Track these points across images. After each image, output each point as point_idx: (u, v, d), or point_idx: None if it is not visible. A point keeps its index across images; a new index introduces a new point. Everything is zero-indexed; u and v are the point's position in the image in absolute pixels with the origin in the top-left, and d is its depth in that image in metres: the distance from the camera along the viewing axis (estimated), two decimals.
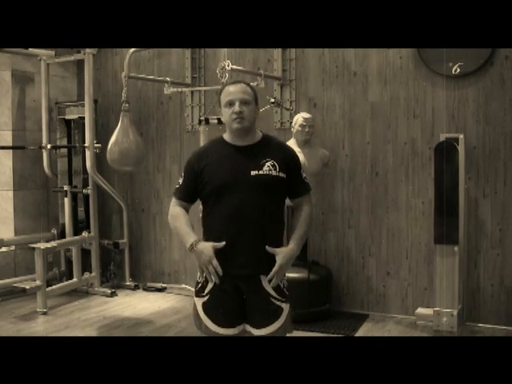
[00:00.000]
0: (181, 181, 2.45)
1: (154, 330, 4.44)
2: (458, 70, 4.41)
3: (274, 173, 2.31)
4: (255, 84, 4.55)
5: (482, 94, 4.38)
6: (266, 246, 2.29)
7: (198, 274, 2.40)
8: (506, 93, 4.31)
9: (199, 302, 2.42)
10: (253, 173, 2.30)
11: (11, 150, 5.61)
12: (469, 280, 4.46)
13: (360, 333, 4.32)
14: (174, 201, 2.47)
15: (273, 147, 2.40)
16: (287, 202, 2.45)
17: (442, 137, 4.37)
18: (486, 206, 4.41)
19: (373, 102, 4.77)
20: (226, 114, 2.35)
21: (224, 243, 2.27)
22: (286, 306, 2.39)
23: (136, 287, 5.70)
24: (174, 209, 2.46)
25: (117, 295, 5.46)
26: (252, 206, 2.29)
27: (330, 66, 4.92)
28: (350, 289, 4.89)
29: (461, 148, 4.31)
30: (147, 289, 5.67)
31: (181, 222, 2.41)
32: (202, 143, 4.18)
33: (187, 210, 2.46)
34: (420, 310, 4.51)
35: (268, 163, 2.32)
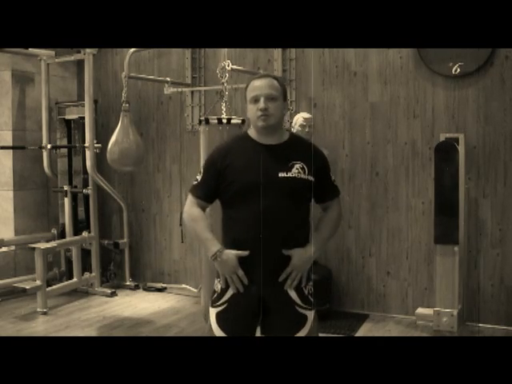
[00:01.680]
0: (199, 178, 2.27)
1: (154, 330, 4.44)
2: (458, 69, 4.41)
3: (303, 176, 2.18)
4: None
5: (482, 94, 4.38)
6: (282, 250, 2.16)
7: (216, 281, 2.27)
8: (505, 93, 4.31)
9: (213, 312, 2.27)
10: (281, 175, 2.16)
11: (11, 150, 5.61)
12: (469, 280, 4.46)
13: (360, 333, 4.32)
14: (191, 199, 2.29)
15: (301, 148, 2.25)
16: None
17: (442, 137, 4.37)
18: (486, 205, 4.41)
19: (373, 102, 4.77)
20: (250, 111, 2.21)
21: (248, 252, 2.15)
22: (310, 314, 2.26)
23: (136, 287, 5.70)
24: (192, 210, 2.27)
25: (117, 295, 5.46)
26: (278, 209, 2.15)
27: (330, 66, 4.92)
28: (350, 289, 4.89)
29: (461, 148, 4.31)
30: (147, 289, 5.67)
31: (200, 225, 2.25)
32: (202, 143, 4.17)
33: (204, 210, 2.30)
34: (420, 310, 4.51)
35: (297, 165, 2.18)
